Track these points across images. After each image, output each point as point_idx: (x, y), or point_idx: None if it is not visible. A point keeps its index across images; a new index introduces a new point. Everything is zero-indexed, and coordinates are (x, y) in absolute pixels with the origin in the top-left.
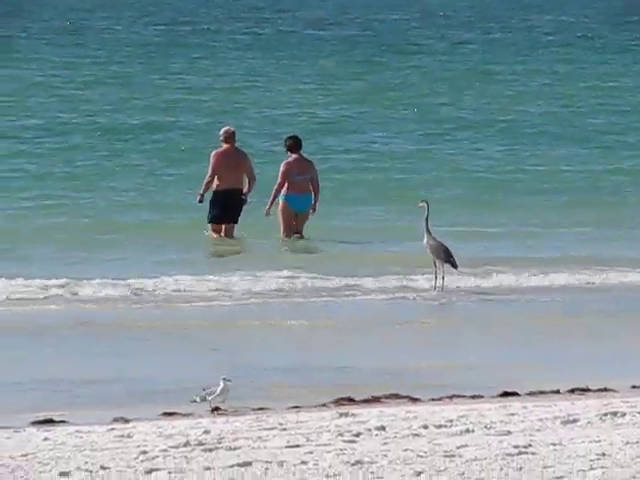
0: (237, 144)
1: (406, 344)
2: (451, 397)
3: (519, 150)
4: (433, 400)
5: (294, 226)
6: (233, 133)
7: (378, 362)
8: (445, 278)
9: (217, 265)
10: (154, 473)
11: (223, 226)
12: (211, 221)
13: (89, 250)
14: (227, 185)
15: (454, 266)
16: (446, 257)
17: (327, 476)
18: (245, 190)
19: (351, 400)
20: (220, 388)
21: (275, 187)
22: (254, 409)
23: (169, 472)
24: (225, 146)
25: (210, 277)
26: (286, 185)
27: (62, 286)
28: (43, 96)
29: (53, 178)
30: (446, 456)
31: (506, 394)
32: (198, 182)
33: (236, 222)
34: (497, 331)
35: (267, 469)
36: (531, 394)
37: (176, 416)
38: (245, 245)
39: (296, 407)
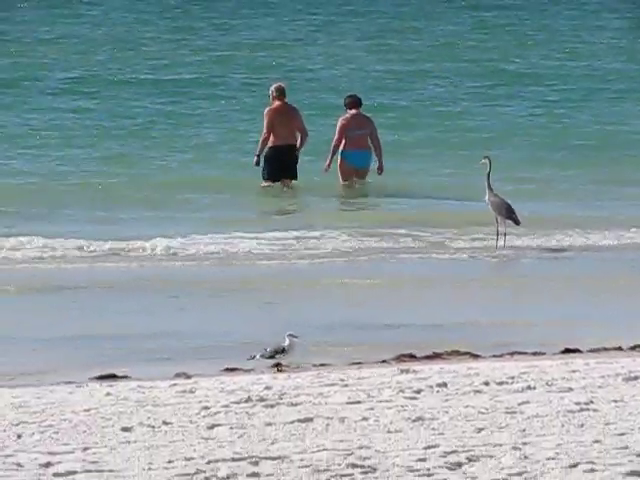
0: (286, 100)
1: (467, 301)
2: (512, 354)
3: (584, 106)
4: (494, 357)
5: (354, 179)
6: (284, 89)
7: (439, 319)
8: (507, 235)
9: (280, 223)
10: (216, 428)
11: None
12: (267, 178)
13: (151, 208)
14: (281, 141)
15: (516, 223)
16: (508, 214)
17: (388, 432)
18: (298, 145)
19: (412, 356)
20: (286, 344)
21: (333, 143)
22: (315, 365)
23: (231, 427)
24: (277, 103)
25: (274, 235)
26: (344, 141)
27: (127, 244)
28: (103, 52)
29: (113, 134)
30: (507, 413)
31: (568, 351)
32: (255, 137)
33: (295, 178)
34: (559, 288)
35: (328, 425)
36: (593, 351)
37: (238, 372)
38: (307, 203)
39: (357, 363)
